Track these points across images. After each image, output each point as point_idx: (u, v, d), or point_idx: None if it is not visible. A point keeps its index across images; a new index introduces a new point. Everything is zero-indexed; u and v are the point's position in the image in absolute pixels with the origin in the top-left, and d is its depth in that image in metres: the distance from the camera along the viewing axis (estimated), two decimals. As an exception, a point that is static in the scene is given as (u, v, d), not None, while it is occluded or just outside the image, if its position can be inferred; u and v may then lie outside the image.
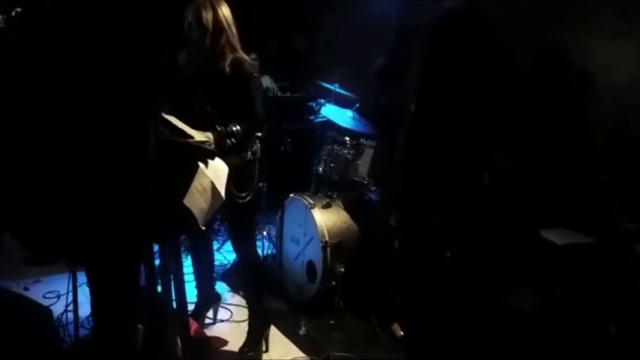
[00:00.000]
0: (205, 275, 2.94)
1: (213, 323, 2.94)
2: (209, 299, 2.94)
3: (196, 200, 1.83)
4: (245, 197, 2.52)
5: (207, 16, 2.43)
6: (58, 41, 1.64)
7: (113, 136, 1.68)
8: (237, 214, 2.57)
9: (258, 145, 2.64)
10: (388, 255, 2.66)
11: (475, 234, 1.60)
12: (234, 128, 2.38)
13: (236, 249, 2.76)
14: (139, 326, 2.22)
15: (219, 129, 2.36)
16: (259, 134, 2.70)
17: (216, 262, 3.67)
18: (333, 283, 3.04)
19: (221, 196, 1.97)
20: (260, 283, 2.77)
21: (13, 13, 1.99)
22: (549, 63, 2.86)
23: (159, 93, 1.89)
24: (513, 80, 1.70)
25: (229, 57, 2.46)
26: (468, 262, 1.60)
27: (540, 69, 2.82)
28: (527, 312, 1.95)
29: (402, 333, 2.79)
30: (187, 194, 1.82)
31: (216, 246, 3.88)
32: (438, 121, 1.63)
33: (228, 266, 3.64)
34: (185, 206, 1.82)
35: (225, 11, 2.49)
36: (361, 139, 3.27)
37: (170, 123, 2.07)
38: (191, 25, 2.46)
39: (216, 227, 3.87)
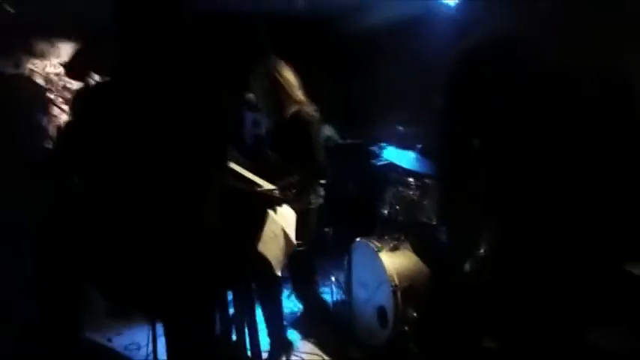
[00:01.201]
0: (276, 322, 2.95)
1: None
2: (281, 346, 2.94)
3: (270, 246, 1.88)
4: (301, 245, 2.54)
5: (262, 80, 2.69)
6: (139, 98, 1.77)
7: (185, 189, 1.77)
8: (296, 262, 2.62)
9: (321, 194, 2.71)
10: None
11: (556, 267, 1.54)
12: (293, 180, 2.47)
13: (298, 296, 2.79)
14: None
15: (279, 183, 2.46)
16: (322, 182, 2.76)
17: (286, 310, 3.68)
18: (406, 328, 2.95)
19: (292, 242, 2.02)
20: (331, 322, 2.75)
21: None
22: (612, 88, 2.76)
23: (226, 150, 1.99)
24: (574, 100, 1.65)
25: (292, 108, 2.63)
26: (551, 298, 1.53)
27: (603, 94, 2.72)
28: (615, 352, 1.82)
29: (482, 379, 2.66)
30: (261, 241, 1.87)
31: (285, 293, 3.90)
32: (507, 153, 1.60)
33: (298, 313, 3.64)
34: (259, 253, 1.86)
35: (277, 67, 2.72)
36: (425, 180, 3.25)
37: (238, 173, 2.16)
38: (257, 96, 2.73)
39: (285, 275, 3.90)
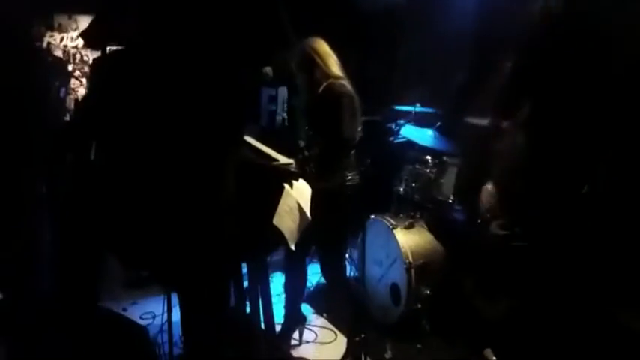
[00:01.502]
0: (293, 294, 2.97)
1: (299, 344, 2.95)
2: (295, 320, 2.96)
3: (285, 220, 1.88)
4: (333, 224, 2.55)
5: (298, 59, 2.69)
6: (151, 66, 1.76)
7: (201, 161, 1.77)
8: (328, 238, 2.63)
9: (356, 172, 2.70)
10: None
11: (578, 246, 1.50)
12: (309, 153, 2.45)
13: (324, 270, 2.80)
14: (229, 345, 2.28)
15: (298, 157, 2.44)
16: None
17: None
18: (419, 305, 2.96)
19: (307, 216, 2.01)
20: (351, 298, 2.77)
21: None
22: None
23: (242, 124, 1.98)
24: (616, 85, 1.59)
25: (324, 84, 2.65)
26: (575, 275, 1.51)
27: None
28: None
29: (494, 358, 2.66)
30: (276, 215, 1.87)
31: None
32: (537, 130, 1.55)
33: (311, 288, 3.66)
34: (274, 226, 1.86)
35: (313, 46, 2.70)
36: (444, 158, 3.22)
37: (255, 147, 2.16)
38: (293, 70, 2.72)
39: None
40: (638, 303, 1.57)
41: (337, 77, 2.66)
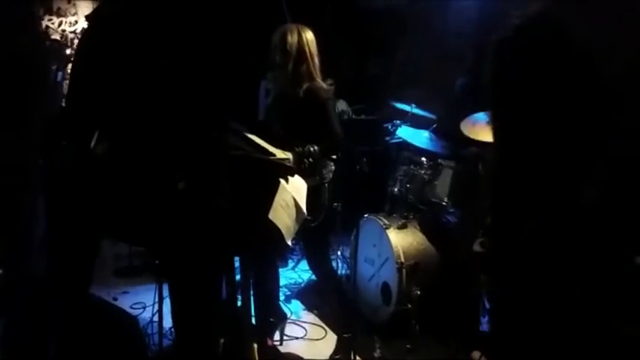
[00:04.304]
0: (263, 296, 2.80)
1: (280, 344, 2.90)
2: (276, 318, 2.88)
3: (281, 215, 1.87)
4: (314, 221, 2.53)
5: (292, 41, 2.51)
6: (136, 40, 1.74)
7: (182, 145, 1.76)
8: (310, 236, 2.62)
9: (331, 168, 2.67)
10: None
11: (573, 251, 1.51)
12: (312, 149, 2.43)
13: (312, 268, 2.80)
14: (220, 339, 2.28)
15: (297, 150, 2.42)
16: (334, 156, 2.72)
17: (291, 281, 3.73)
18: (409, 305, 2.97)
19: (303, 212, 2.01)
20: (341, 296, 2.76)
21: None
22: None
23: (225, 104, 1.95)
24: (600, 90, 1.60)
25: (305, 84, 2.51)
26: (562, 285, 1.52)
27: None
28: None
29: (482, 361, 2.68)
30: (272, 209, 1.87)
31: (291, 264, 3.94)
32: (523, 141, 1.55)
33: (302, 285, 3.67)
34: (269, 221, 1.86)
35: (309, 38, 2.56)
36: (439, 160, 3.23)
37: (253, 141, 2.15)
38: (276, 49, 2.55)
39: (291, 246, 3.93)
40: (633, 309, 1.59)
41: (318, 80, 2.54)
